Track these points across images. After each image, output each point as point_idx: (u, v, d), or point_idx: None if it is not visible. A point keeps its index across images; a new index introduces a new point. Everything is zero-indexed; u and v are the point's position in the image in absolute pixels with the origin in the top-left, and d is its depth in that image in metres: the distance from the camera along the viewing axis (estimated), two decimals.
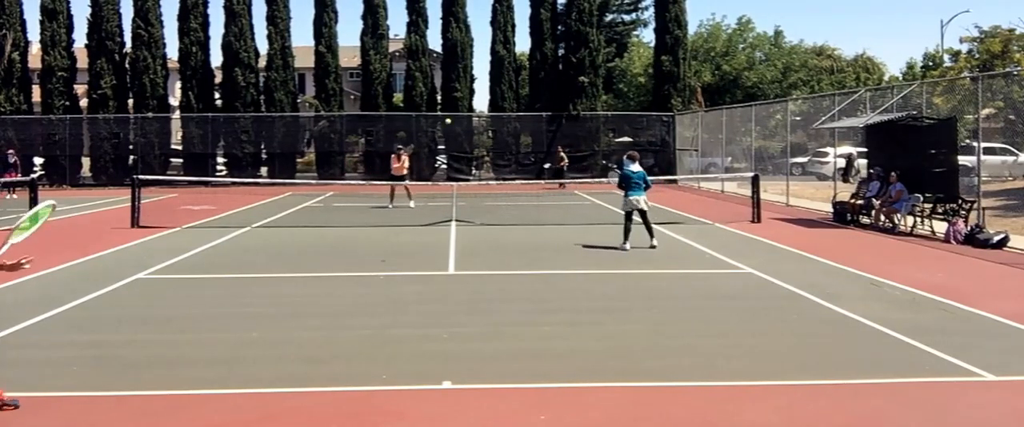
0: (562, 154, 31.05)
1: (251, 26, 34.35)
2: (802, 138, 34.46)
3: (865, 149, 21.97)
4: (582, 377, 6.28)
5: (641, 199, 13.39)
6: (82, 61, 34.15)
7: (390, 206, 21.34)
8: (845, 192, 19.43)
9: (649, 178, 13.92)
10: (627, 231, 13.45)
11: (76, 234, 16.32)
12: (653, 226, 13.91)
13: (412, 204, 21.40)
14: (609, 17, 51.15)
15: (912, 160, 16.04)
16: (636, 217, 13.50)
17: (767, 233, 15.59)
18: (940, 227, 14.98)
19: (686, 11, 35.45)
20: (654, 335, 7.72)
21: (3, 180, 26.58)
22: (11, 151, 28.98)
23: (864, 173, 21.04)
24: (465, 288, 10.29)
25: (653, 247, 13.28)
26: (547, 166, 31.44)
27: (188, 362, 6.79)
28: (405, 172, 22.05)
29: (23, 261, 5.32)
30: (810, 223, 17.79)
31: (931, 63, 41.28)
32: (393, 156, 22.28)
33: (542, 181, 30.01)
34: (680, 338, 7.63)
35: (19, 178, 26.88)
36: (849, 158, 28.74)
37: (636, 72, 42.59)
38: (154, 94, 33.73)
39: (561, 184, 29.18)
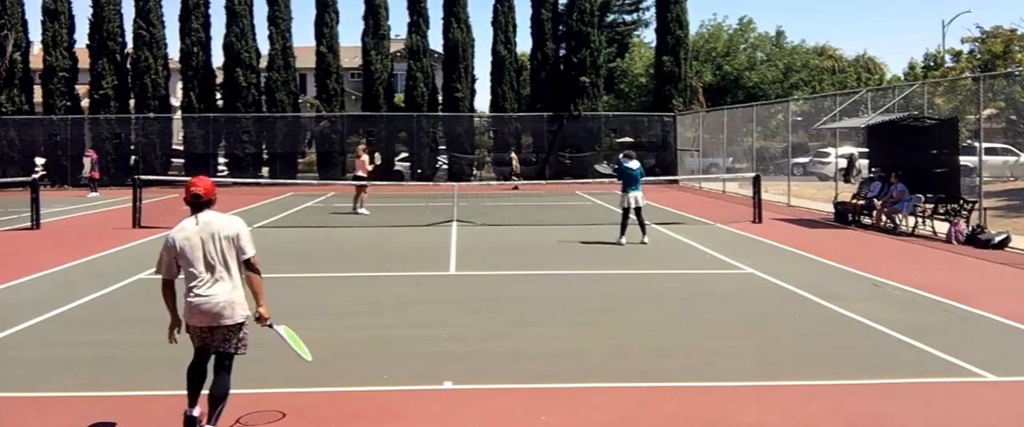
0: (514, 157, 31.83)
1: (252, 26, 34.39)
2: (803, 138, 34.47)
3: (866, 149, 21.95)
4: (583, 377, 6.28)
5: (638, 196, 13.82)
6: (83, 61, 34.19)
7: (364, 212, 19.39)
8: (846, 192, 19.41)
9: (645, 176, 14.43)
10: (624, 227, 13.88)
11: (77, 234, 16.33)
12: (647, 224, 14.23)
13: (362, 210, 19.47)
14: (610, 17, 51.19)
15: (913, 160, 16.02)
16: (631, 214, 13.86)
17: (768, 233, 15.58)
18: (941, 227, 14.97)
19: (687, 11, 35.52)
20: (654, 335, 7.72)
21: (88, 177, 27.82)
22: (90, 152, 29.19)
23: (865, 173, 21.04)
24: (466, 288, 10.30)
25: (644, 243, 13.64)
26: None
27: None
28: (362, 173, 19.89)
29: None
30: (811, 223, 17.77)
31: (932, 63, 41.24)
32: (360, 149, 20.52)
33: (544, 182, 30.03)
34: (680, 338, 7.63)
35: (98, 177, 28.13)
36: (850, 158, 28.72)
37: (637, 72, 42.60)
38: (155, 94, 33.77)
39: (516, 187, 28.67)
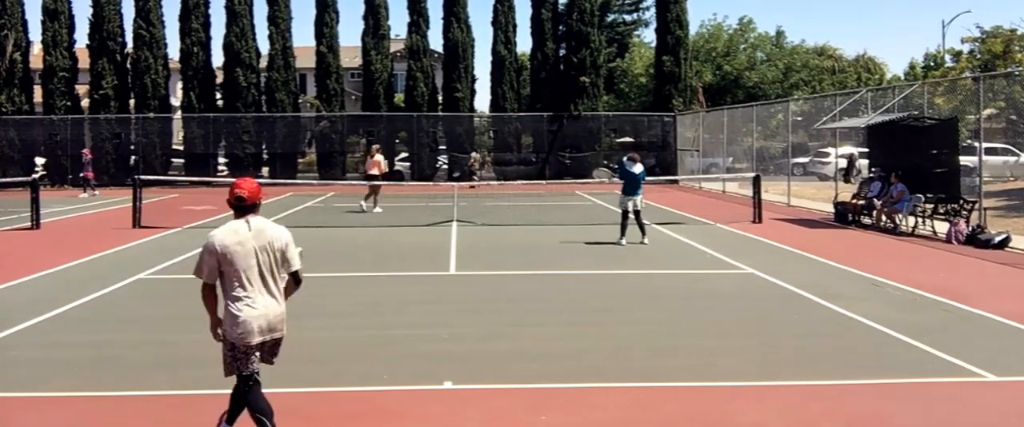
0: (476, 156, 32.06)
1: (252, 26, 34.36)
2: (803, 138, 34.46)
3: (866, 149, 21.96)
4: (583, 377, 6.28)
5: (637, 199, 13.90)
6: (83, 61, 34.16)
7: (366, 208, 20.02)
8: (846, 192, 19.41)
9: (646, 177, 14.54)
10: (623, 228, 13.95)
11: (77, 234, 16.33)
12: (645, 225, 14.29)
13: (376, 209, 20.15)
14: (610, 17, 51.17)
15: (913, 160, 16.02)
16: (631, 215, 13.95)
17: (768, 233, 15.58)
18: (941, 227, 14.96)
19: (687, 11, 35.44)
20: (654, 335, 7.72)
21: (82, 176, 27.50)
22: (85, 151, 29.10)
23: (865, 173, 21.04)
24: (466, 288, 10.30)
25: (644, 244, 13.71)
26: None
27: (189, 363, 6.78)
28: (377, 173, 20.51)
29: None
30: (811, 223, 17.77)
31: (932, 63, 41.26)
32: (375, 149, 21.37)
33: (544, 181, 29.98)
34: (680, 338, 7.63)
35: (93, 177, 27.77)
36: (850, 158, 28.73)
37: (637, 72, 42.60)
38: (155, 94, 33.75)
39: (473, 186, 28.19)
